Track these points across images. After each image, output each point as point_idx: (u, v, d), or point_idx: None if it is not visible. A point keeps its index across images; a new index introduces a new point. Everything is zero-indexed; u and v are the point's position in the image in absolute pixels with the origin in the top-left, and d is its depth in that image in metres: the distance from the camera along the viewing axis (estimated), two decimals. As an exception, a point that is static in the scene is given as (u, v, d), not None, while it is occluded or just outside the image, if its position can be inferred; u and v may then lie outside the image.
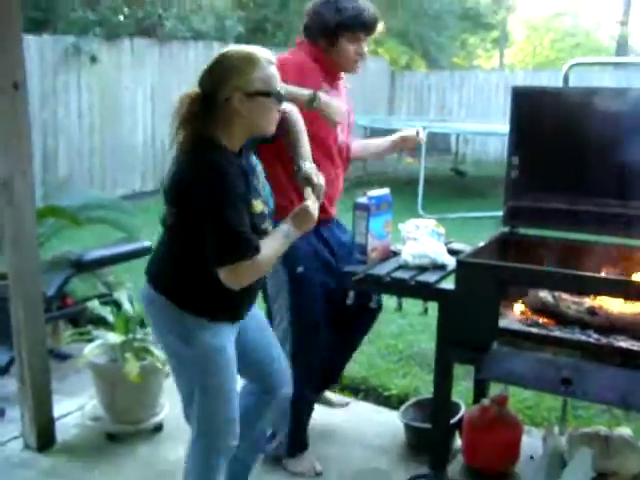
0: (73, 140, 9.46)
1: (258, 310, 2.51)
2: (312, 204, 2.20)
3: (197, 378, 2.26)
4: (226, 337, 2.25)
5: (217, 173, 2.05)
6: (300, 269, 2.87)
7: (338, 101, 2.84)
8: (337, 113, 2.77)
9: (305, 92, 2.69)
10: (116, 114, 9.84)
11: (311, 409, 3.15)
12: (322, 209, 2.77)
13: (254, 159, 2.30)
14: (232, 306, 2.26)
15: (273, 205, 2.30)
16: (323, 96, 2.72)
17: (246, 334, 2.39)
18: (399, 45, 17.35)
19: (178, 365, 2.31)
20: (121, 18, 10.15)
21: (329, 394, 3.62)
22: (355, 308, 2.94)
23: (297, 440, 3.09)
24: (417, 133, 3.11)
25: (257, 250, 2.07)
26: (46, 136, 9.11)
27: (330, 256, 3.01)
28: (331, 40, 2.84)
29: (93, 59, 9.46)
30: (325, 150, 2.88)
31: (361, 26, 2.84)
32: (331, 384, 3.57)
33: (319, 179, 2.32)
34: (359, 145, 3.24)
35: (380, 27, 2.93)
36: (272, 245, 2.15)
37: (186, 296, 2.20)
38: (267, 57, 2.15)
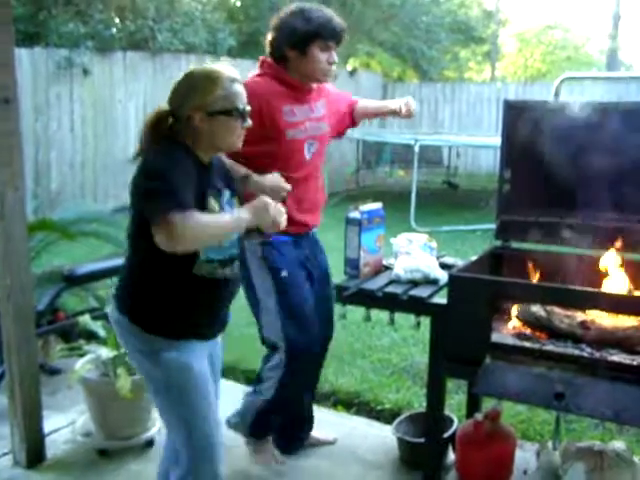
0: (65, 153, 9.45)
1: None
2: (272, 204, 2.16)
3: (168, 397, 2.21)
4: (194, 355, 2.20)
5: (167, 154, 2.05)
6: (284, 273, 2.88)
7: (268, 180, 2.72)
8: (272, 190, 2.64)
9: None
10: (108, 127, 9.84)
11: (299, 401, 3.16)
12: (293, 219, 2.80)
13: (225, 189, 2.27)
14: (195, 323, 2.21)
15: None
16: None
17: None
18: (391, 58, 17.43)
19: (149, 384, 2.27)
20: (113, 31, 10.16)
21: (315, 434, 3.47)
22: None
23: (264, 424, 3.09)
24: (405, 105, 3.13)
25: (187, 206, 1.95)
26: (38, 149, 9.10)
27: (309, 267, 3.03)
28: (301, 50, 2.84)
29: (85, 72, 9.47)
30: (295, 168, 2.89)
31: (331, 34, 2.86)
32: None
33: (276, 183, 2.34)
34: (361, 110, 3.26)
35: (345, 36, 2.94)
36: (217, 217, 2.08)
37: (149, 316, 2.17)
38: (230, 75, 2.15)
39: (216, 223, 2.07)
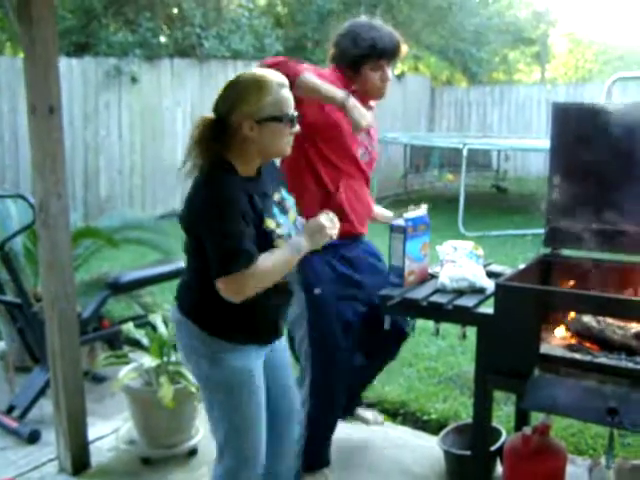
0: (114, 159, 9.59)
1: (286, 352, 2.48)
2: (327, 220, 2.18)
3: (222, 400, 2.22)
4: (252, 360, 2.21)
5: (219, 192, 2.04)
6: (317, 291, 2.84)
7: (366, 110, 2.80)
8: (363, 118, 2.71)
9: (339, 92, 2.67)
10: (156, 134, 9.95)
11: (330, 429, 3.08)
12: (345, 224, 2.80)
13: (281, 191, 2.28)
14: (255, 329, 2.22)
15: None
16: (354, 100, 2.69)
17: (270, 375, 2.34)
18: (439, 61, 17.26)
19: (204, 387, 2.28)
20: (161, 39, 10.27)
21: (364, 412, 3.53)
22: (384, 331, 2.90)
23: (312, 457, 3.03)
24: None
25: (252, 260, 2.02)
26: (87, 156, 9.26)
27: (356, 274, 2.97)
28: (354, 70, 2.87)
29: (134, 80, 9.60)
30: (352, 160, 2.89)
31: (380, 54, 2.85)
32: (355, 406, 3.50)
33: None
34: None
35: (404, 49, 2.92)
36: (276, 256, 2.10)
37: (210, 320, 2.18)
38: (279, 80, 2.13)
39: (278, 265, 2.11)
